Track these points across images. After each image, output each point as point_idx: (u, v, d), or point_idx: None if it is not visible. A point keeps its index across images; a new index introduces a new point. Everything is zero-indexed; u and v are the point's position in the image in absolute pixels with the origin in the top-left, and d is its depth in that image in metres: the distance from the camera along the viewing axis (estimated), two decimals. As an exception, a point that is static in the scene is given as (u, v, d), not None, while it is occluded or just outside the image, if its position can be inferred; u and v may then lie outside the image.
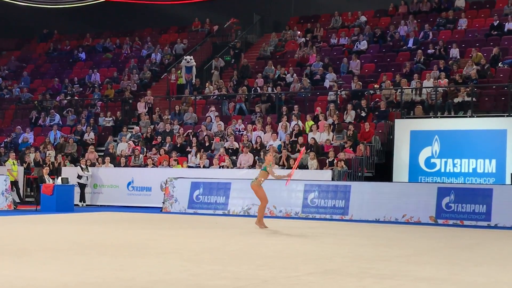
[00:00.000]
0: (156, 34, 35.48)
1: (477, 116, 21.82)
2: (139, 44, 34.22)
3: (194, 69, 29.08)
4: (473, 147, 20.72)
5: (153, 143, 24.78)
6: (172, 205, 19.93)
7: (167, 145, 24.09)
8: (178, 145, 23.98)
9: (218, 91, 27.55)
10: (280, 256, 9.52)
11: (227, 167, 21.71)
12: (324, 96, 25.73)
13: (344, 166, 20.13)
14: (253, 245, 11.07)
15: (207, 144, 23.68)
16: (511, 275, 8.05)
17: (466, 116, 22.09)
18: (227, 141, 23.43)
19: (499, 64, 24.25)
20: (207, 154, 22.92)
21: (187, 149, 23.65)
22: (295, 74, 27.11)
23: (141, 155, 23.57)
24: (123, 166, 23.23)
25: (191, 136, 24.31)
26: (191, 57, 29.29)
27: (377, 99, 24.06)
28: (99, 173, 22.98)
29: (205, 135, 24.06)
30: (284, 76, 27.42)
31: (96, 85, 30.99)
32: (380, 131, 22.45)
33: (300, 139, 22.11)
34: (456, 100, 22.63)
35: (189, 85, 28.69)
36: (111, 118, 27.56)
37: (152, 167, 22.83)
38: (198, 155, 22.73)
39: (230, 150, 22.84)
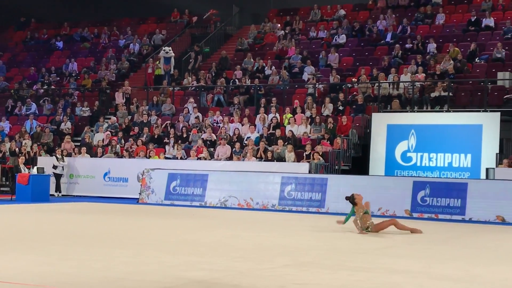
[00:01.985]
0: (135, 24, 35.28)
1: (453, 111, 21.99)
2: (117, 34, 34.01)
3: (172, 60, 28.97)
4: (449, 141, 20.88)
5: (130, 133, 24.68)
6: (149, 196, 19.88)
7: (145, 136, 24.00)
8: (156, 136, 23.91)
9: (197, 83, 27.50)
10: (256, 248, 9.55)
11: (205, 159, 21.70)
12: (302, 89, 25.78)
13: (321, 159, 20.21)
14: (229, 237, 11.09)
15: (184, 135, 23.63)
16: (485, 269, 8.15)
17: (442, 111, 22.25)
18: (204, 132, 23.40)
19: (476, 59, 24.44)
20: (184, 145, 22.88)
21: (164, 140, 23.57)
22: (273, 67, 27.13)
23: (118, 146, 23.47)
24: (100, 157, 23.11)
25: (168, 127, 24.24)
26: (170, 48, 29.18)
27: (354, 93, 24.16)
28: (75, 163, 22.84)
29: (183, 127, 24.00)
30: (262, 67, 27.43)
31: (73, 75, 30.77)
32: (357, 124, 22.55)
33: (278, 132, 22.15)
34: (432, 94, 22.79)
35: (167, 76, 28.60)
36: (88, 108, 27.40)
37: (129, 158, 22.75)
38: (176, 147, 22.68)
39: (207, 142, 22.82)
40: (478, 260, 9.00)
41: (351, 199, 12.38)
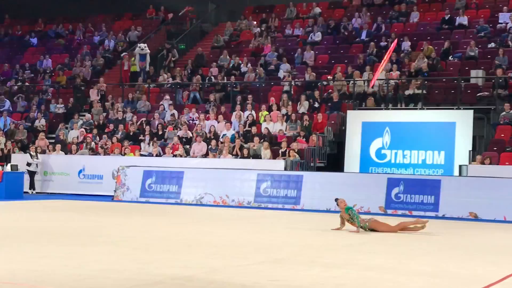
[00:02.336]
0: (110, 21, 35.08)
1: (427, 109, 22.18)
2: (92, 31, 33.82)
3: (148, 57, 28.86)
4: (422, 139, 21.06)
5: (105, 131, 24.57)
6: (124, 194, 19.82)
7: (120, 133, 23.91)
8: (131, 133, 23.83)
9: (172, 80, 27.44)
10: (231, 245, 9.58)
11: (180, 156, 21.67)
12: (278, 86, 25.84)
13: (296, 156, 20.28)
14: (204, 234, 11.11)
15: (160, 132, 23.58)
16: (457, 264, 8.25)
17: (416, 108, 22.43)
18: (180, 130, 23.36)
19: (450, 57, 24.67)
20: (160, 142, 22.83)
21: (140, 138, 23.50)
22: (249, 64, 27.15)
23: (93, 143, 23.36)
24: (74, 154, 22.98)
25: (144, 125, 24.17)
26: (145, 44, 29.07)
27: (330, 90, 24.27)
28: (50, 161, 22.69)
29: (158, 124, 23.95)
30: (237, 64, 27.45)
31: (47, 71, 30.54)
32: (332, 122, 22.65)
33: (254, 129, 22.19)
34: (407, 92, 22.96)
35: (143, 73, 28.50)
36: (62, 105, 27.21)
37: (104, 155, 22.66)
38: (151, 144, 22.62)
39: (183, 139, 22.79)
40: (450, 256, 9.11)
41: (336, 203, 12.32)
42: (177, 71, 27.85)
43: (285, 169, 19.63)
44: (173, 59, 29.56)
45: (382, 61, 12.99)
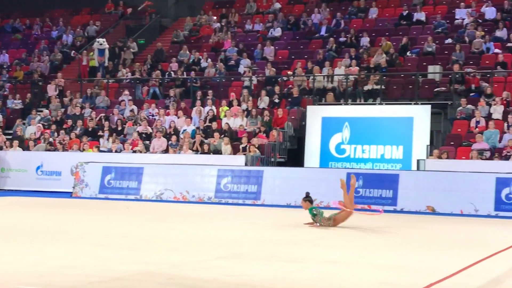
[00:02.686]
0: (68, 16, 34.68)
1: (386, 104, 22.41)
2: (50, 26, 33.39)
3: (107, 52, 28.62)
4: (381, 133, 21.28)
5: (63, 126, 24.30)
6: (83, 190, 19.64)
7: (78, 129, 23.68)
8: (90, 129, 23.61)
9: (132, 75, 27.26)
10: (191, 241, 9.58)
11: (140, 152, 21.55)
12: (238, 81, 25.85)
13: (257, 151, 20.33)
14: (164, 230, 11.09)
15: (119, 128, 23.41)
16: (415, 258, 8.37)
17: (375, 104, 22.65)
18: (140, 125, 23.23)
19: (408, 53, 24.95)
20: (119, 138, 22.67)
21: (98, 133, 23.31)
22: (209, 59, 27.11)
23: (51, 139, 23.09)
24: (32, 150, 22.69)
25: (103, 120, 23.96)
26: (104, 39, 28.82)
27: (290, 86, 24.37)
28: (7, 157, 22.36)
29: (118, 119, 23.77)
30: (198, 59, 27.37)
31: (4, 67, 30.07)
32: (292, 117, 22.75)
33: (214, 125, 22.18)
34: (366, 87, 23.16)
35: (101, 68, 28.25)
36: (20, 101, 26.82)
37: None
38: (110, 140, 22.45)
39: (143, 135, 22.66)
40: (408, 250, 9.24)
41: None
42: (137, 66, 27.67)
43: (246, 164, 19.66)
44: (131, 57, 29.32)
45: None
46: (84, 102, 25.63)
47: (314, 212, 11.96)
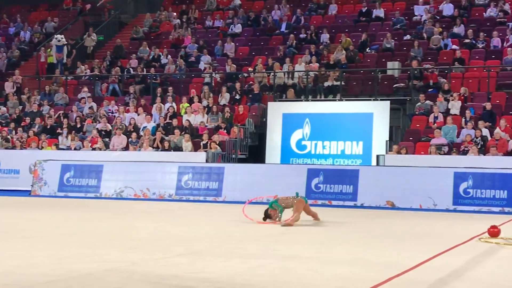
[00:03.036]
0: (26, 12, 34.19)
1: (346, 100, 22.56)
2: (7, 22, 32.88)
3: (65, 49, 28.31)
4: (341, 129, 21.42)
5: (21, 124, 23.96)
6: (42, 188, 19.38)
7: (37, 127, 23.37)
8: (48, 127, 23.32)
9: (91, 72, 27.00)
10: (151, 239, 9.52)
11: (100, 149, 21.36)
12: (199, 78, 25.79)
13: (218, 148, 20.29)
14: (124, 228, 11.00)
15: (78, 125, 23.18)
16: (374, 252, 8.43)
17: (335, 100, 22.79)
18: (99, 122, 23.02)
19: (367, 49, 25.15)
20: (78, 136, 22.44)
21: (57, 131, 23.04)
22: (169, 56, 26.98)
23: (9, 137, 22.74)
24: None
25: (62, 118, 23.70)
26: (62, 36, 28.48)
27: (250, 82, 24.38)
28: (-36, 156, 21.98)
29: (77, 117, 23.53)
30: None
31: (-40, 64, 29.58)
32: (253, 113, 22.77)
33: (175, 121, 22.08)
34: (326, 84, 23.29)
35: (60, 65, 27.92)
36: (-24, 98, 26.42)
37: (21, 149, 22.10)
38: (69, 137, 22.21)
39: (102, 132, 22.47)
40: (368, 244, 9.30)
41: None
42: (96, 63, 27.41)
43: (207, 161, 19.61)
44: (92, 44, 29.07)
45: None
46: (43, 100, 25.32)
47: (274, 206, 11.87)
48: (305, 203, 11.90)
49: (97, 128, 22.51)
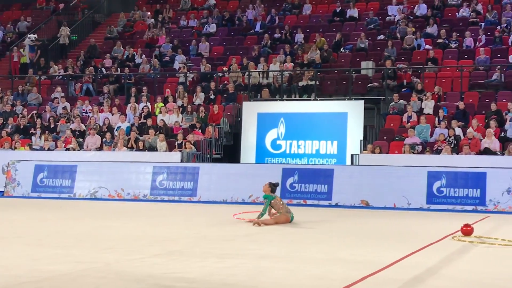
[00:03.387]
0: (-2, 11, 33.88)
1: (320, 100, 22.64)
2: (-21, 21, 32.56)
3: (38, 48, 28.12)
4: (316, 129, 21.49)
5: (-6, 124, 23.73)
6: (15, 189, 19.20)
7: (10, 127, 23.15)
8: (21, 127, 23.11)
9: (64, 71, 26.80)
10: (126, 239, 9.47)
11: (73, 150, 21.22)
12: (173, 78, 25.71)
13: (192, 148, 20.25)
14: (98, 229, 10.94)
15: (52, 125, 23.00)
16: (349, 251, 8.47)
17: (310, 99, 22.85)
18: (73, 122, 22.86)
19: (341, 49, 25.25)
20: (52, 136, 22.27)
21: (31, 131, 22.84)
22: (144, 55, 26.88)
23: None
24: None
25: (35, 118, 23.50)
26: (36, 35, 28.25)
27: (225, 82, 24.37)
28: None
29: (50, 117, 23.35)
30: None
31: None
32: (228, 113, 22.76)
33: (149, 121, 21.99)
34: (300, 83, 23.35)
35: (33, 65, 27.69)
36: None
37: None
38: (43, 137, 22.03)
39: (76, 132, 22.32)
40: (343, 243, 9.34)
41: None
42: (69, 63, 27.22)
43: (181, 161, 19.56)
44: (66, 40, 28.90)
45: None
46: (16, 99, 25.08)
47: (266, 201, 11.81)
48: (288, 220, 11.80)
49: (71, 128, 22.35)
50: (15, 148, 21.60)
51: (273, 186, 11.95)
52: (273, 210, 11.79)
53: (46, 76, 27.23)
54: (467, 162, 17.33)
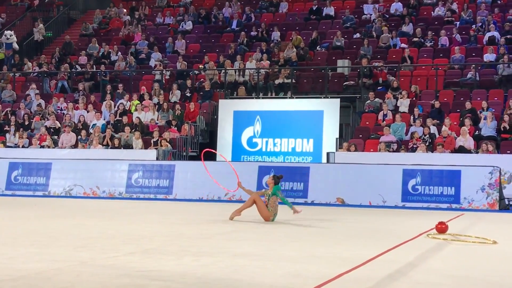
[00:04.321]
0: (-29, 7, 33.50)
1: (296, 98, 22.69)
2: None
3: (15, 45, 27.84)
4: (292, 127, 21.54)
5: (-33, 121, 23.48)
6: (-12, 187, 19.03)
7: (-17, 124, 22.93)
8: (-5, 124, 22.91)
9: (39, 68, 26.58)
10: (101, 237, 9.41)
11: (48, 147, 21.06)
12: (149, 75, 25.61)
13: (168, 145, 20.19)
14: (73, 227, 10.86)
15: (26, 123, 22.81)
16: (324, 249, 8.49)
17: (286, 98, 22.89)
18: (48, 120, 22.69)
19: (317, 47, 25.32)
20: (26, 133, 22.08)
21: (5, 128, 22.63)
22: (120, 53, 26.73)
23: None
24: None
25: (9, 115, 23.28)
26: (12, 32, 28.00)
27: (201, 79, 24.32)
28: None
29: (25, 114, 23.15)
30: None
31: None
32: (204, 111, 22.72)
33: (125, 119, 21.89)
34: (277, 81, 23.38)
35: (9, 62, 27.43)
36: None
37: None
38: (17, 135, 21.83)
39: (51, 129, 22.15)
40: (319, 241, 9.37)
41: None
42: (44, 59, 27.00)
43: (157, 158, 19.51)
44: (41, 36, 28.64)
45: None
46: (-11, 97, 24.84)
47: (269, 192, 11.84)
48: (267, 219, 11.83)
49: (45, 126, 22.18)
50: (-11, 145, 21.39)
51: (276, 179, 12.05)
52: (264, 200, 11.83)
53: (21, 73, 26.99)
54: (442, 160, 17.48)
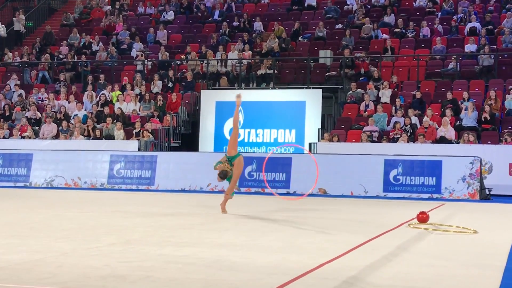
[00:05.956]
0: (-50, -4, 33.13)
1: (279, 88, 22.69)
2: None
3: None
4: (274, 117, 21.55)
5: None
6: (-31, 178, 18.89)
7: (-37, 115, 22.74)
8: (-25, 115, 22.72)
9: (20, 58, 26.38)
10: (82, 228, 9.39)
11: (29, 138, 20.93)
12: (131, 65, 25.50)
13: (150, 136, 20.14)
14: (54, 218, 10.82)
15: (7, 113, 22.64)
16: (305, 239, 8.52)
17: (268, 88, 22.89)
18: (29, 110, 22.54)
19: (300, 38, 25.31)
20: (7, 124, 21.93)
21: (-15, 119, 22.46)
22: (101, 43, 26.59)
23: None
24: None
25: (-11, 105, 23.12)
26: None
27: (183, 70, 24.26)
28: None
29: (5, 104, 22.98)
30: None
31: None
32: (186, 101, 22.67)
33: (107, 109, 21.79)
34: (259, 72, 23.37)
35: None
36: None
37: None
38: (-3, 125, 21.68)
39: (32, 120, 22.01)
40: (300, 232, 9.39)
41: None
42: (25, 50, 26.80)
43: (139, 149, 19.47)
44: (22, 28, 28.48)
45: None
46: (-31, 87, 24.63)
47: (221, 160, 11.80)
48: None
49: (26, 116, 22.04)
50: (-30, 136, 21.22)
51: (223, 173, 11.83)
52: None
53: (1, 63, 26.78)
54: (423, 150, 17.57)
